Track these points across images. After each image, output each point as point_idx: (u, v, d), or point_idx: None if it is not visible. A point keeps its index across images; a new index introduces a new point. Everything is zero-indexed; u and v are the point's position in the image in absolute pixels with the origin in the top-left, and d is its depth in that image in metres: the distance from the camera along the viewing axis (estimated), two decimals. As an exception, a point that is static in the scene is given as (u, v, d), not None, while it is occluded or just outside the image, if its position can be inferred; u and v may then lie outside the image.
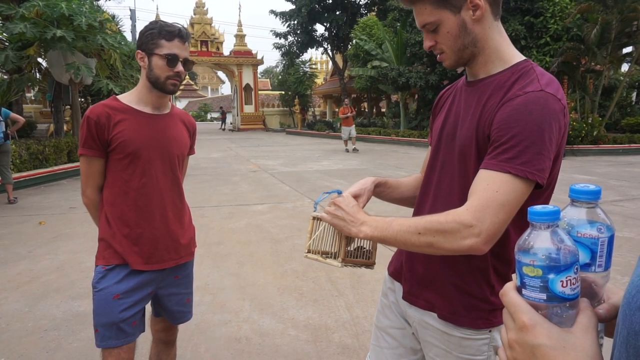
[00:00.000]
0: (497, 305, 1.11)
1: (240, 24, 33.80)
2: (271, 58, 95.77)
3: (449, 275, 1.15)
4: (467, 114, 1.12)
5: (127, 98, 1.74)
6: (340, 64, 28.75)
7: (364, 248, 1.25)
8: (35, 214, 6.43)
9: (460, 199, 1.06)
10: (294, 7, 27.77)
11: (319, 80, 36.69)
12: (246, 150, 16.80)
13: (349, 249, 1.22)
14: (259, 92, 34.90)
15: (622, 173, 9.90)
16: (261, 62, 33.18)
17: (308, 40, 29.22)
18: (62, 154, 10.54)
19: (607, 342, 0.54)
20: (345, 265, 1.21)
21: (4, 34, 9.98)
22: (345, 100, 17.08)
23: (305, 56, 58.79)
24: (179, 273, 1.88)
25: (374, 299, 3.45)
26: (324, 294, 3.57)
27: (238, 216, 6.22)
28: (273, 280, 3.89)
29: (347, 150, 15.60)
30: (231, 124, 36.42)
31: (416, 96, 21.19)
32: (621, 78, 17.03)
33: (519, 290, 0.54)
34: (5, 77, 12.18)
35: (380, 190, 1.34)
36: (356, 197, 1.23)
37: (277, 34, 29.57)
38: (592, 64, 14.60)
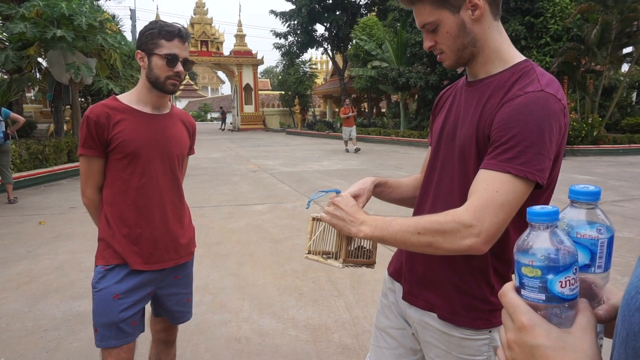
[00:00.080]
0: (497, 305, 1.11)
1: (240, 24, 33.81)
2: (271, 58, 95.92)
3: (448, 276, 1.15)
4: (467, 114, 1.12)
5: (127, 98, 1.74)
6: (340, 64, 28.76)
7: (365, 247, 1.25)
8: (35, 214, 6.43)
9: (460, 199, 1.06)
10: (294, 7, 27.76)
11: (319, 81, 36.68)
12: (246, 150, 16.80)
13: (349, 248, 1.22)
14: (259, 92, 34.91)
15: (622, 173, 9.90)
16: (261, 62, 33.19)
17: (308, 40, 29.22)
18: (62, 153, 10.54)
19: (607, 343, 0.54)
20: (346, 266, 1.21)
21: (4, 33, 9.99)
22: (347, 100, 17.08)
23: (305, 56, 58.77)
24: (179, 273, 1.88)
25: (373, 299, 3.45)
26: (324, 294, 3.57)
27: (238, 216, 6.22)
28: (273, 280, 3.89)
29: (347, 151, 15.59)
30: (231, 124, 36.43)
31: (416, 96, 21.19)
32: (621, 78, 17.03)
33: (518, 290, 0.54)
34: (5, 76, 12.18)
35: (380, 190, 1.34)
36: (356, 197, 1.22)
37: (277, 34, 29.58)
38: (592, 64, 14.60)
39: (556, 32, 15.05)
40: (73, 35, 9.04)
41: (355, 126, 15.57)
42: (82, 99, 14.98)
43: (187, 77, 56.29)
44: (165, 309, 1.89)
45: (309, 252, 1.24)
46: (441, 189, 1.18)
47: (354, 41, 23.03)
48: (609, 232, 0.55)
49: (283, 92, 32.73)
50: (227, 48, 42.38)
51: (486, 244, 0.97)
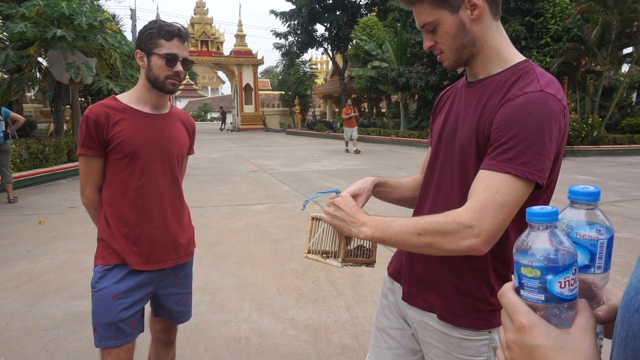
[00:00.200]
0: (497, 306, 1.11)
1: (240, 24, 33.80)
2: (271, 58, 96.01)
3: (448, 276, 1.15)
4: (467, 115, 1.12)
5: (126, 98, 1.74)
6: (341, 64, 28.76)
7: (364, 247, 1.25)
8: (35, 214, 6.42)
9: (460, 199, 1.06)
10: (294, 7, 27.77)
11: (319, 81, 36.69)
12: (246, 150, 16.80)
13: (349, 248, 1.22)
14: (259, 92, 34.90)
15: (622, 174, 9.90)
16: (261, 62, 33.19)
17: (308, 41, 29.23)
18: (62, 153, 10.54)
19: (607, 344, 0.54)
20: (345, 265, 1.21)
21: (5, 33, 9.98)
22: (348, 101, 17.06)
23: (306, 56, 58.89)
24: (178, 273, 1.87)
25: (373, 299, 3.45)
26: (324, 294, 3.57)
27: (238, 216, 6.22)
28: (272, 280, 3.89)
29: (347, 151, 15.58)
30: (231, 124, 36.42)
31: (416, 96, 21.19)
32: (621, 79, 17.03)
33: (517, 291, 0.54)
34: (5, 76, 12.18)
35: (380, 191, 1.34)
36: (355, 196, 1.22)
37: (277, 34, 29.58)
38: (593, 64, 14.61)
39: (556, 32, 15.05)
40: (73, 34, 9.04)
41: (356, 127, 15.50)
42: (82, 99, 14.98)
43: (187, 77, 56.31)
44: (164, 309, 1.89)
45: (309, 252, 1.24)
46: (441, 189, 1.18)
47: (354, 41, 23.03)
48: (609, 233, 0.55)
49: (283, 92, 32.73)
50: (227, 48, 42.38)
51: (486, 244, 0.96)
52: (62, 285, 3.78)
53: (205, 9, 34.17)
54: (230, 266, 4.24)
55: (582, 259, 0.54)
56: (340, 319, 3.17)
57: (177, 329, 2.05)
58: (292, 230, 5.47)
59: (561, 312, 0.51)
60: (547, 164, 0.97)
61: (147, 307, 1.85)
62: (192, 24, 33.00)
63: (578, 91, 14.95)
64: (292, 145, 19.45)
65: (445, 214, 1.00)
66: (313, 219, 1.25)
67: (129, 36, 16.26)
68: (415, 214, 1.26)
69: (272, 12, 28.73)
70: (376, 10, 26.69)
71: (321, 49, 30.62)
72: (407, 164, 12.09)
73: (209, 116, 57.19)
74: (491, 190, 0.96)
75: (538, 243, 0.51)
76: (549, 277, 0.50)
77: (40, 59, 11.70)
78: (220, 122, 37.26)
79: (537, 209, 0.53)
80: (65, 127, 13.36)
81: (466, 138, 1.09)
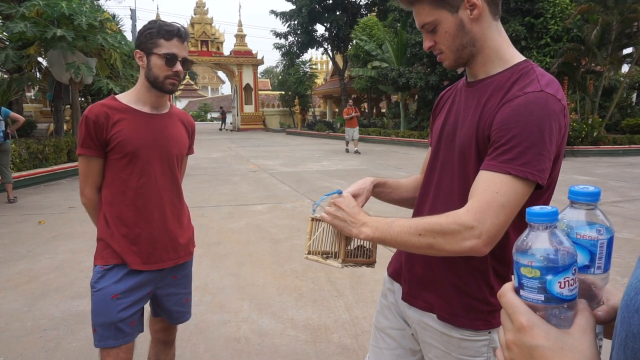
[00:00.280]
0: (497, 306, 1.10)
1: (240, 24, 33.80)
2: (271, 58, 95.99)
3: (448, 276, 1.15)
4: (467, 115, 1.11)
5: (126, 98, 1.74)
6: (341, 64, 28.76)
7: (364, 247, 1.25)
8: (34, 214, 6.42)
9: (460, 199, 1.06)
10: (294, 7, 27.77)
11: (319, 81, 36.69)
12: (246, 150, 16.80)
13: (349, 248, 1.22)
14: (259, 92, 34.90)
15: (622, 174, 9.90)
16: (261, 62, 33.19)
17: (308, 41, 29.23)
18: (61, 153, 10.54)
19: (607, 344, 0.54)
20: (345, 265, 1.21)
21: (5, 33, 9.98)
22: (350, 100, 17.04)
23: (306, 56, 58.88)
24: (178, 273, 1.87)
25: (373, 299, 3.45)
26: (324, 294, 3.57)
27: (238, 216, 6.22)
28: (272, 280, 3.89)
29: (347, 151, 15.57)
30: (231, 124, 36.41)
31: (416, 97, 21.20)
32: (621, 79, 17.04)
33: (516, 291, 0.54)
34: (5, 76, 12.18)
35: (380, 191, 1.34)
36: (354, 196, 1.22)
37: (277, 34, 29.58)
38: (593, 64, 14.61)
39: (556, 32, 15.05)
40: (73, 34, 9.03)
41: (358, 127, 15.39)
42: (82, 99, 14.97)
43: (187, 77, 56.29)
44: (164, 309, 1.89)
45: (309, 253, 1.24)
46: (441, 189, 1.18)
47: (354, 41, 23.03)
48: (609, 233, 0.54)
49: (283, 92, 32.73)
50: (227, 48, 42.37)
51: (487, 245, 0.96)
52: (61, 285, 3.77)
53: (205, 9, 34.16)
54: (230, 266, 4.24)
55: (582, 259, 0.54)
56: (340, 319, 3.16)
57: (176, 329, 2.04)
58: (292, 230, 5.47)
59: (561, 313, 0.51)
60: (548, 165, 0.97)
61: (147, 307, 1.85)
62: (192, 24, 32.99)
63: (578, 91, 14.96)
64: (292, 145, 19.45)
65: (446, 215, 1.00)
66: (313, 219, 1.25)
67: (129, 36, 16.27)
68: (415, 214, 1.26)
69: (272, 12, 28.73)
70: (376, 10, 26.69)
71: (321, 49, 30.64)
72: (407, 164, 12.09)
73: (209, 116, 57.19)
74: (492, 191, 0.96)
75: (538, 243, 0.51)
76: (549, 277, 0.50)
77: (40, 59, 11.70)
78: (220, 122, 37.29)
79: (536, 209, 0.53)
80: (65, 127, 13.36)
81: (466, 138, 1.09)
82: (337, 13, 28.11)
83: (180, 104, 56.71)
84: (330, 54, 29.95)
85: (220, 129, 34.94)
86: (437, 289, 1.17)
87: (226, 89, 66.69)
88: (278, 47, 30.09)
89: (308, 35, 28.99)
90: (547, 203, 1.06)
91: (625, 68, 17.89)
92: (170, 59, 1.64)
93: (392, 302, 1.33)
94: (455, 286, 1.14)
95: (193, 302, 2.04)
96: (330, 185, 8.71)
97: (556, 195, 1.10)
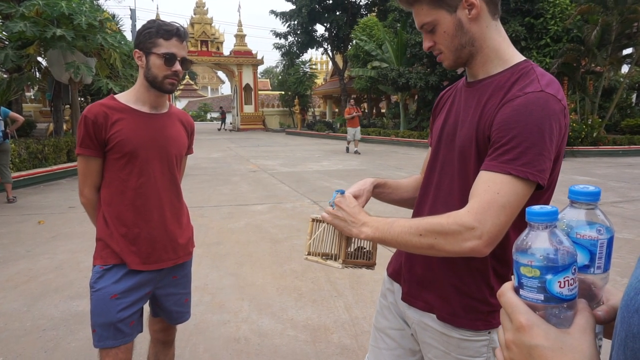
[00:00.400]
0: (497, 306, 1.10)
1: (240, 24, 33.81)
2: (271, 58, 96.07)
3: (448, 277, 1.14)
4: (467, 115, 1.11)
5: (125, 97, 1.73)
6: (341, 64, 28.77)
7: (364, 248, 1.25)
8: (34, 213, 6.42)
9: (460, 199, 1.06)
10: (294, 7, 27.78)
11: (319, 81, 36.69)
12: (246, 150, 16.80)
13: (349, 249, 1.22)
14: (259, 92, 34.91)
15: (621, 174, 9.90)
16: (261, 62, 33.20)
17: (308, 41, 29.24)
18: (61, 153, 10.54)
19: (606, 344, 0.54)
20: (345, 267, 1.21)
21: (4, 32, 9.97)
22: (351, 100, 17.00)
23: (305, 56, 58.82)
24: (177, 273, 1.87)
25: (373, 299, 3.45)
26: (323, 295, 3.57)
27: (237, 216, 6.22)
28: (272, 280, 3.89)
29: (348, 151, 15.56)
30: (231, 124, 36.42)
31: (416, 97, 21.21)
32: (621, 79, 17.05)
33: (516, 290, 0.53)
34: (5, 76, 12.18)
35: (380, 191, 1.34)
36: (355, 197, 1.22)
37: (277, 34, 29.59)
38: (592, 65, 14.62)
39: (556, 33, 15.06)
40: (73, 34, 9.03)
41: (359, 127, 15.26)
42: (82, 99, 14.96)
43: (187, 77, 56.28)
44: (163, 309, 1.89)
45: (309, 253, 1.23)
46: (441, 189, 1.17)
47: (354, 41, 23.04)
48: (609, 233, 0.54)
49: (283, 92, 32.73)
50: (227, 48, 42.30)
51: (488, 246, 0.96)
52: (61, 285, 3.77)
53: (205, 9, 34.16)
54: (230, 266, 4.23)
55: (581, 258, 0.54)
56: (339, 319, 3.16)
57: (176, 329, 2.04)
58: (291, 230, 5.47)
59: (560, 312, 0.51)
60: (548, 165, 0.97)
61: (146, 307, 1.85)
62: (191, 24, 33.00)
63: (578, 92, 14.96)
64: (291, 145, 19.45)
65: (447, 215, 1.00)
66: (313, 220, 1.25)
67: (128, 36, 16.27)
68: (414, 215, 1.25)
69: (272, 12, 28.74)
70: (376, 10, 26.70)
71: (321, 49, 30.65)
72: (407, 164, 12.09)
73: (208, 116, 57.19)
74: (492, 191, 0.96)
75: (538, 243, 0.51)
76: (549, 276, 0.50)
77: (39, 59, 11.70)
78: (220, 122, 37.31)
79: (536, 208, 0.53)
80: (64, 127, 13.35)
81: (466, 138, 1.09)
82: (337, 13, 28.12)
83: (180, 104, 56.72)
84: (330, 54, 29.96)
85: (220, 129, 34.94)
86: (437, 289, 1.17)
87: (226, 89, 66.70)
88: (278, 47, 30.10)
89: (308, 36, 29.00)
90: (547, 203, 1.06)
91: (625, 68, 17.92)
92: (169, 59, 1.64)
93: (391, 302, 1.32)
94: (455, 286, 1.13)
95: (192, 302, 2.04)
96: (330, 185, 8.70)
97: (556, 195, 1.10)
